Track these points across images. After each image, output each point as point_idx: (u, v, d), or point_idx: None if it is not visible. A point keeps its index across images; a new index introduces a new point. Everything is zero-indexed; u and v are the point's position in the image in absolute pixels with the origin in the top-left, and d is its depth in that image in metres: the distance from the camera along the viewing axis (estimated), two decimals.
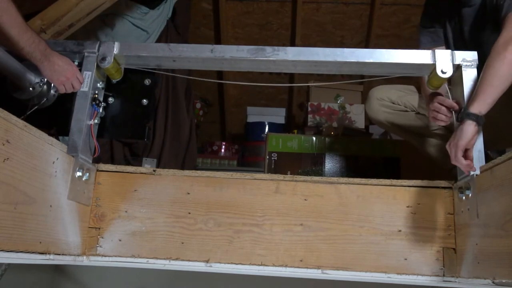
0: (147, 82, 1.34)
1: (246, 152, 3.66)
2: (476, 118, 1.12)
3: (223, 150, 3.81)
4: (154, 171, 1.28)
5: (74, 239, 1.16)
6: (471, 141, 1.12)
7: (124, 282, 2.14)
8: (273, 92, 3.98)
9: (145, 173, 1.29)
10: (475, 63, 1.23)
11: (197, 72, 3.34)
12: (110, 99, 1.32)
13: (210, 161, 3.62)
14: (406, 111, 1.72)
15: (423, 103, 1.61)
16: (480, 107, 1.13)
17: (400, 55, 1.25)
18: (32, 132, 0.96)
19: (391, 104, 1.74)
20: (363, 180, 1.26)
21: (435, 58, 1.22)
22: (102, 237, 1.23)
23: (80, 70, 1.24)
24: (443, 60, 1.22)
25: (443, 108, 1.28)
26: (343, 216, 1.22)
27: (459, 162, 1.13)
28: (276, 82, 3.91)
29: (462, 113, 1.15)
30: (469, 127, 1.12)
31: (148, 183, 1.27)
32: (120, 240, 1.23)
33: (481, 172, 1.09)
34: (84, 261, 1.20)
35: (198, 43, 1.31)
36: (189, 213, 1.24)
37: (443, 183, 1.23)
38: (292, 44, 3.60)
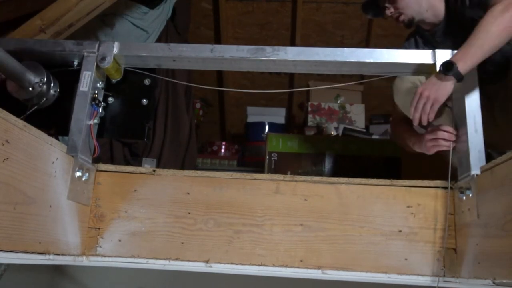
0: (147, 82, 1.34)
1: (246, 152, 3.65)
2: (460, 77, 1.15)
3: (223, 150, 3.81)
4: (154, 171, 1.28)
5: (73, 239, 1.15)
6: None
7: (124, 282, 2.14)
8: (273, 92, 3.98)
9: (145, 173, 1.28)
10: None
11: (197, 72, 3.35)
12: (110, 99, 1.32)
13: (210, 161, 3.61)
14: None
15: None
16: (466, 66, 1.16)
17: (400, 55, 1.25)
18: (31, 132, 0.96)
19: None
20: (363, 180, 1.25)
21: (435, 58, 1.22)
22: (102, 237, 1.23)
23: (80, 70, 1.24)
24: (443, 60, 1.22)
25: (444, 133, 1.25)
26: (343, 216, 1.22)
27: (425, 113, 1.19)
28: (276, 82, 3.91)
29: (449, 67, 1.15)
30: (451, 84, 1.17)
31: (148, 183, 1.27)
32: (119, 240, 1.23)
33: (481, 172, 1.09)
34: (84, 261, 1.20)
35: (198, 43, 1.31)
36: (189, 213, 1.24)
37: (443, 183, 1.23)
38: (292, 44, 3.60)
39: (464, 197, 1.13)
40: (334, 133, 3.00)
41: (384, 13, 1.61)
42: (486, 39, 1.18)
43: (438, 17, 1.54)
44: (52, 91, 1.26)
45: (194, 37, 3.50)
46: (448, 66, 1.15)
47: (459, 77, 1.16)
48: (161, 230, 1.23)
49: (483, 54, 1.18)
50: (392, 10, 1.56)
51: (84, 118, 1.19)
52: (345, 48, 1.25)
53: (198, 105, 3.74)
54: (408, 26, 1.60)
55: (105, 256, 1.22)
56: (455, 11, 1.46)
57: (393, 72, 1.29)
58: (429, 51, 1.24)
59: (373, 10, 1.67)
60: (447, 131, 1.25)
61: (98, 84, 1.26)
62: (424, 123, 1.22)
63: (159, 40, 2.50)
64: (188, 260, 1.21)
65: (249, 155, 3.59)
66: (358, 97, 3.44)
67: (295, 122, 3.99)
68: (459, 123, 1.22)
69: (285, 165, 2.40)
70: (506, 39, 1.21)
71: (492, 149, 1.59)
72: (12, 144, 0.88)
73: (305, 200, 1.24)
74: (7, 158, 0.86)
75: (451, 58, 1.19)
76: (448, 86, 1.19)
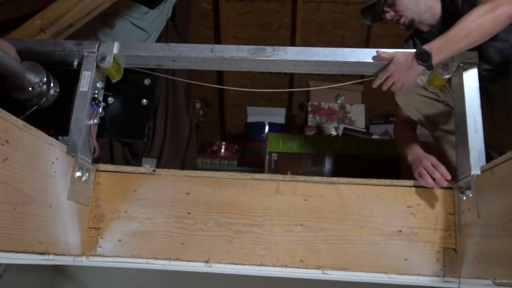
0: (147, 82, 1.33)
1: (246, 152, 3.65)
2: (431, 68, 1.20)
3: (223, 150, 3.80)
4: (153, 171, 1.28)
5: (73, 239, 1.15)
6: None
7: (124, 282, 2.14)
8: (273, 92, 3.98)
9: (144, 173, 1.28)
10: (476, 63, 1.23)
11: (197, 72, 3.35)
12: (110, 99, 1.32)
13: (210, 161, 3.61)
14: (438, 100, 1.62)
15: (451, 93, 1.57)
16: (438, 58, 1.19)
17: None
18: (31, 132, 0.95)
19: (423, 91, 1.60)
20: (363, 180, 1.25)
21: None
22: (102, 238, 1.23)
23: (80, 70, 1.24)
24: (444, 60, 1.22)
25: (438, 175, 1.22)
26: (343, 216, 1.22)
27: (393, 89, 1.27)
28: (276, 82, 3.91)
29: (425, 58, 1.18)
30: (421, 71, 1.23)
31: (148, 183, 1.27)
32: (119, 241, 1.23)
33: (481, 172, 1.09)
34: (84, 261, 1.20)
35: (198, 43, 1.31)
36: (189, 213, 1.24)
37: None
38: (292, 44, 3.59)
39: (464, 197, 1.13)
40: (334, 133, 3.00)
41: (384, 17, 1.61)
42: (465, 36, 1.19)
43: (436, 18, 1.55)
44: (52, 91, 1.26)
45: (194, 37, 3.50)
46: (424, 57, 1.18)
47: (430, 68, 1.21)
48: (161, 230, 1.23)
49: (457, 50, 1.21)
50: (392, 13, 1.57)
51: (84, 118, 1.19)
52: (345, 48, 1.25)
53: (198, 105, 3.73)
54: (409, 28, 1.61)
55: (105, 256, 1.22)
56: (451, 12, 1.47)
57: None
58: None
59: (371, 15, 1.68)
60: (441, 174, 1.22)
61: (98, 84, 1.26)
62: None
63: (159, 40, 2.49)
64: (188, 260, 1.21)
65: (249, 155, 3.59)
66: (358, 97, 3.44)
67: (295, 122, 3.98)
68: (459, 123, 1.23)
69: (285, 165, 2.40)
70: (484, 39, 1.22)
71: (492, 149, 1.58)
72: (12, 144, 0.88)
73: (305, 200, 1.24)
74: (7, 158, 0.86)
75: (428, 46, 1.20)
76: (417, 73, 1.24)
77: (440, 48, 1.19)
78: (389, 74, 1.24)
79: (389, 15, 1.58)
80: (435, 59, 1.18)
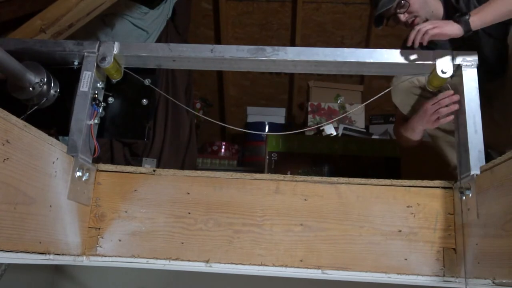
0: (147, 82, 1.34)
1: (246, 152, 3.66)
2: (468, 28, 1.27)
3: (223, 150, 3.81)
4: (154, 171, 1.28)
5: (74, 239, 1.15)
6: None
7: (124, 282, 2.14)
8: (273, 92, 3.98)
9: (145, 173, 1.29)
10: (475, 63, 1.23)
11: (197, 72, 3.35)
12: (110, 99, 1.32)
13: (210, 161, 3.61)
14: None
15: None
16: (478, 25, 1.27)
17: (400, 55, 1.25)
18: (32, 132, 0.96)
19: (420, 90, 1.64)
20: (363, 180, 1.25)
21: (435, 58, 1.22)
22: (102, 237, 1.23)
23: (80, 70, 1.24)
24: (443, 60, 1.22)
25: (445, 99, 1.29)
26: (343, 216, 1.22)
27: (421, 33, 1.31)
28: (276, 82, 3.92)
29: (464, 18, 1.26)
30: (457, 31, 1.29)
31: (148, 183, 1.27)
32: (120, 240, 1.23)
33: (481, 172, 1.09)
34: (84, 261, 1.20)
35: (198, 43, 1.31)
36: (189, 213, 1.24)
37: (443, 183, 1.23)
38: (292, 44, 3.60)
39: (464, 197, 1.13)
40: (334, 133, 3.00)
41: (397, 19, 1.60)
42: (504, 4, 1.26)
43: (439, 19, 1.56)
44: (52, 91, 1.26)
45: (194, 37, 3.50)
46: (463, 15, 1.28)
47: (467, 28, 1.28)
48: (161, 230, 1.23)
49: (494, 17, 1.27)
50: (407, 15, 1.57)
51: (85, 118, 1.19)
52: (345, 48, 1.25)
53: (198, 105, 3.74)
54: None
55: (105, 256, 1.22)
56: (453, 15, 1.48)
57: (393, 72, 1.29)
58: (430, 51, 1.24)
59: (381, 21, 1.68)
60: (447, 96, 1.29)
61: (98, 84, 1.27)
62: (416, 43, 1.34)
63: (159, 40, 2.50)
64: (188, 260, 1.21)
65: (249, 155, 3.59)
66: (358, 97, 3.44)
67: (295, 122, 3.99)
68: (459, 123, 1.23)
69: (285, 165, 2.40)
70: None
71: (491, 149, 1.59)
72: (12, 144, 0.88)
73: (305, 200, 1.24)
74: (8, 158, 0.86)
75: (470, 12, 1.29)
76: (454, 29, 1.29)
77: (478, 13, 1.27)
78: (426, 25, 1.31)
79: (404, 17, 1.58)
80: (473, 19, 1.26)
